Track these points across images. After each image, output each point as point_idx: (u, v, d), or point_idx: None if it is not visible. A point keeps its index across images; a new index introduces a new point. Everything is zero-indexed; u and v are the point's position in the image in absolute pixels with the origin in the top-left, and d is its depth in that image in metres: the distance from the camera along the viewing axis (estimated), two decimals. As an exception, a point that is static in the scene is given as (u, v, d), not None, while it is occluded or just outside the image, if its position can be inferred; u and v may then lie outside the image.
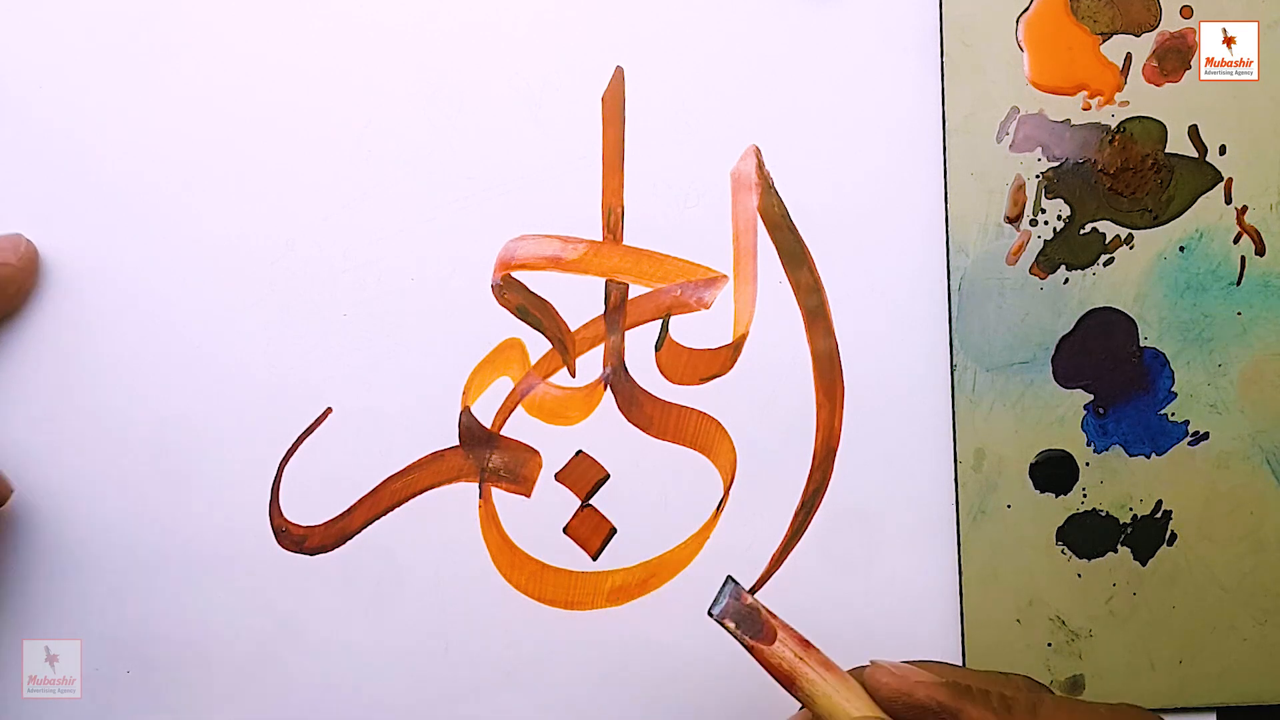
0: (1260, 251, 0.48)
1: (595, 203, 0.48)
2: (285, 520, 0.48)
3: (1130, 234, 0.48)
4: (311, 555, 0.48)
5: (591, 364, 0.49)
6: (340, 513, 0.48)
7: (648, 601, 0.48)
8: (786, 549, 0.48)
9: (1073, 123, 0.48)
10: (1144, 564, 0.48)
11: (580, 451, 0.48)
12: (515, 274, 0.48)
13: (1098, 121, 0.48)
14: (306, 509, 0.48)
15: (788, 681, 0.37)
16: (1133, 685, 0.48)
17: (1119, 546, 0.48)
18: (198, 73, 0.48)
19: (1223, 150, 0.48)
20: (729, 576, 0.38)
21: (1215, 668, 0.48)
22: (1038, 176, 0.48)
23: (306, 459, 0.48)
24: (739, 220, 0.49)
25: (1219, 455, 0.48)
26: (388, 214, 0.48)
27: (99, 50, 0.48)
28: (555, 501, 0.48)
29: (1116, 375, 0.48)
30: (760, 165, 0.49)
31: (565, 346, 0.48)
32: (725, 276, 0.49)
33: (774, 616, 0.37)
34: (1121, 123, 0.48)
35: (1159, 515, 0.48)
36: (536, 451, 0.48)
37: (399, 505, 0.48)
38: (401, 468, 0.48)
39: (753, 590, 0.47)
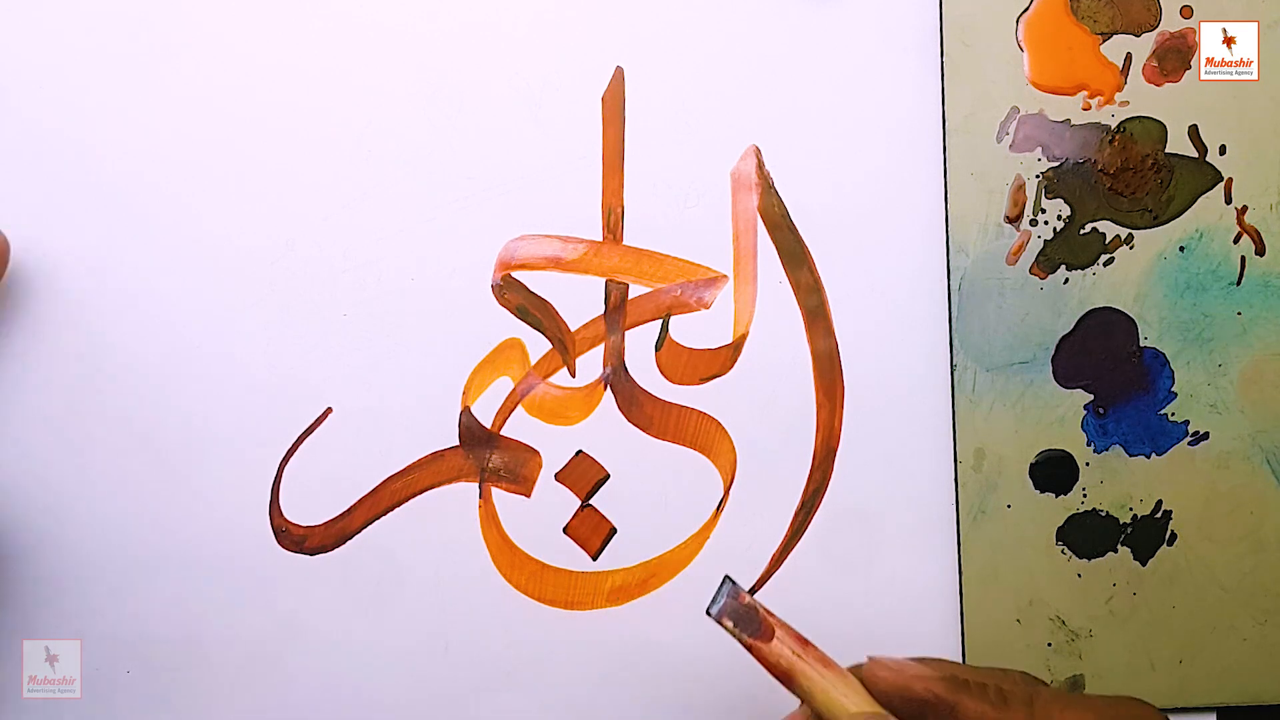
0: (1260, 251, 0.48)
1: (595, 203, 0.48)
2: (285, 520, 0.48)
3: (1130, 234, 0.48)
4: (311, 555, 0.48)
5: (591, 364, 0.49)
6: (340, 513, 0.48)
7: (648, 601, 0.48)
8: (786, 549, 0.48)
9: (1073, 123, 0.48)
10: (1144, 564, 0.48)
11: (580, 451, 0.48)
12: (515, 274, 0.48)
13: (1098, 121, 0.48)
14: (306, 509, 0.48)
15: (786, 678, 0.37)
16: (1133, 685, 0.48)
17: (1119, 546, 0.48)
18: (198, 73, 0.48)
19: (1223, 150, 0.48)
20: (726, 576, 0.38)
21: (1215, 668, 0.48)
22: (1038, 176, 0.48)
23: (306, 459, 0.48)
24: (739, 220, 0.49)
25: (1219, 455, 0.48)
26: (388, 214, 0.48)
27: (99, 50, 0.48)
28: (555, 501, 0.48)
29: (1116, 375, 0.48)
30: (760, 165, 0.49)
31: (565, 346, 0.48)
32: (725, 276, 0.49)
33: (771, 615, 0.37)
34: (1121, 123, 0.48)
35: (1159, 515, 0.48)
36: (536, 451, 0.48)
37: (399, 505, 0.48)
38: (401, 468, 0.48)
39: (753, 590, 0.47)
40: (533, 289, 0.48)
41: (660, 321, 0.49)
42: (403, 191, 0.48)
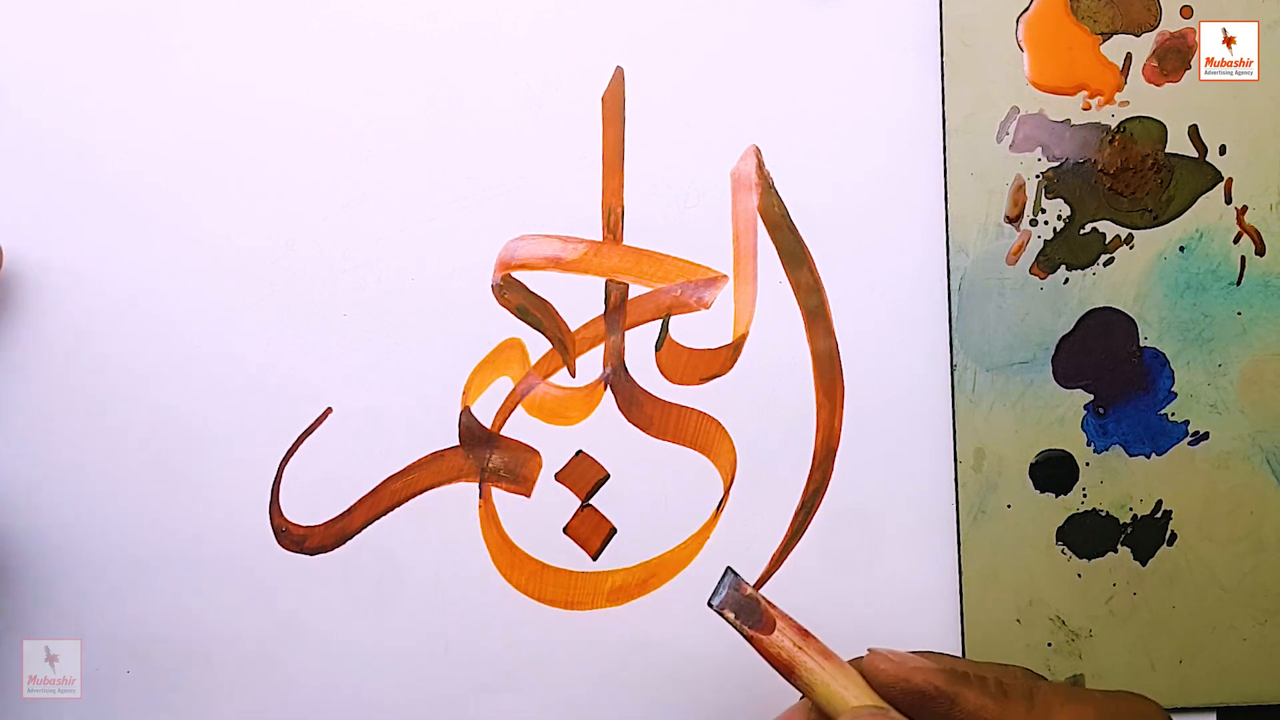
0: (1260, 251, 0.48)
1: (595, 203, 0.48)
2: (285, 520, 0.48)
3: (1130, 234, 0.48)
4: (311, 555, 0.48)
5: (591, 364, 0.49)
6: (340, 513, 0.48)
7: (648, 601, 0.48)
8: (786, 549, 0.48)
9: (1073, 123, 0.48)
10: (1144, 564, 0.48)
11: (580, 451, 0.48)
12: (515, 274, 0.48)
13: (1098, 121, 0.48)
14: (306, 509, 0.48)
15: (787, 671, 0.37)
16: (1133, 685, 0.48)
17: (1119, 546, 0.48)
18: (198, 73, 0.48)
19: (1223, 150, 0.48)
20: (728, 568, 0.38)
21: (1215, 668, 0.48)
22: (1038, 176, 0.48)
23: (306, 459, 0.48)
24: (739, 220, 0.49)
25: (1219, 455, 0.48)
26: (388, 214, 0.48)
27: (99, 50, 0.48)
28: (555, 501, 0.48)
29: (1116, 375, 0.48)
30: (760, 165, 0.49)
31: (565, 346, 0.48)
32: (725, 276, 0.49)
33: (773, 607, 0.37)
34: (1121, 123, 0.48)
35: (1159, 515, 0.48)
36: (536, 451, 0.48)
37: (399, 505, 0.48)
38: (401, 468, 0.48)
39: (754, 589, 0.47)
40: (533, 289, 0.48)
41: (660, 321, 0.49)
42: (403, 191, 0.48)
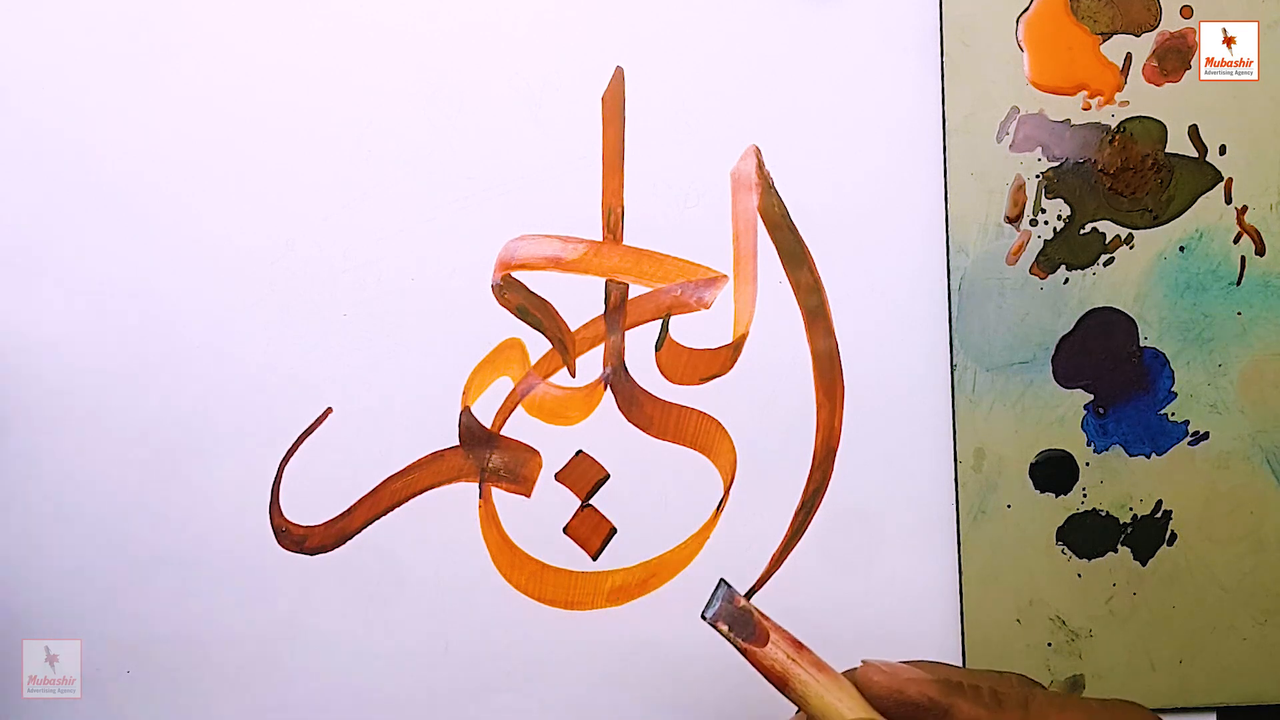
0: (1260, 251, 0.48)
1: (595, 203, 0.48)
2: (285, 520, 0.48)
3: (1130, 234, 0.48)
4: (311, 555, 0.48)
5: (591, 364, 0.49)
6: (340, 513, 0.48)
7: (648, 601, 0.48)
8: (786, 549, 0.48)
9: (1073, 123, 0.48)
10: (1144, 564, 0.48)
11: (580, 451, 0.48)
12: (515, 274, 0.48)
13: (1098, 121, 0.48)
14: (306, 509, 0.48)
15: (780, 683, 0.37)
16: (1133, 685, 0.48)
17: (1119, 546, 0.48)
18: (198, 73, 0.48)
19: (1223, 150, 0.48)
20: (722, 579, 0.38)
21: (1215, 668, 0.48)
22: (1038, 176, 0.48)
23: (306, 459, 0.48)
24: (739, 220, 0.49)
25: (1219, 455, 0.48)
26: (388, 214, 0.48)
27: (99, 50, 0.48)
28: (555, 501, 0.48)
29: (1116, 375, 0.48)
30: (760, 165, 0.49)
31: (565, 346, 0.48)
32: (725, 276, 0.49)
33: (766, 619, 0.37)
34: (1121, 123, 0.48)
35: (1159, 515, 0.48)
36: (536, 451, 0.48)
37: (399, 505, 0.48)
38: (401, 468, 0.48)
39: (753, 590, 0.47)
40: (533, 289, 0.48)
41: (660, 321, 0.49)
42: (403, 191, 0.48)
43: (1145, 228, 0.48)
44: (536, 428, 0.48)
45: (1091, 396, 0.48)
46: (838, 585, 0.48)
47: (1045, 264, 0.48)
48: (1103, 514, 0.48)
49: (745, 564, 0.48)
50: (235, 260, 0.48)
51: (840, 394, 0.48)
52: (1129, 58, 0.48)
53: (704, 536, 0.48)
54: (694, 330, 0.49)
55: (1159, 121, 0.48)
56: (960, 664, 0.47)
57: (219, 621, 0.47)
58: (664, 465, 0.48)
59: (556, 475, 0.48)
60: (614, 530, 0.48)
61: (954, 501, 0.48)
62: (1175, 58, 0.48)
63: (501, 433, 0.48)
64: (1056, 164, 0.48)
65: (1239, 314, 0.48)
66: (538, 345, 0.48)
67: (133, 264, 0.48)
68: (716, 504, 0.48)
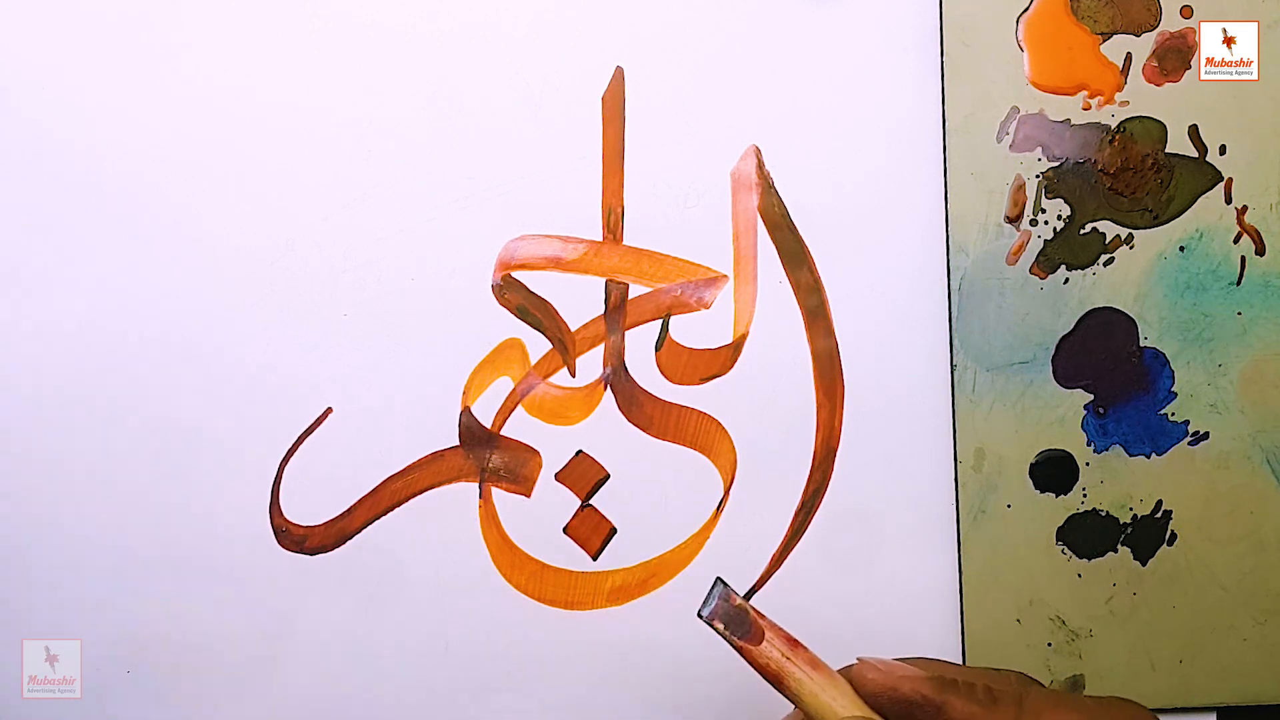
0: (1260, 251, 0.48)
1: (595, 203, 0.48)
2: (285, 520, 0.48)
3: (1130, 234, 0.48)
4: (311, 555, 0.48)
5: (591, 364, 0.49)
6: (340, 513, 0.48)
7: (648, 601, 0.48)
8: (787, 549, 0.48)
9: (1073, 123, 0.48)
10: (1144, 564, 0.48)
11: (580, 451, 0.48)
12: (515, 274, 0.48)
13: (1098, 121, 0.48)
14: (307, 509, 0.48)
15: (776, 681, 0.37)
16: (1133, 685, 0.48)
17: (1119, 546, 0.48)
18: (198, 73, 0.48)
19: (1223, 150, 0.48)
20: (718, 578, 0.38)
21: (1215, 668, 0.48)
22: (1038, 176, 0.48)
23: (306, 459, 0.48)
24: (739, 220, 0.49)
25: (1219, 455, 0.48)
26: (388, 214, 0.48)
27: (99, 50, 0.48)
28: (555, 501, 0.48)
29: (1116, 375, 0.48)
30: (760, 165, 0.49)
31: (565, 346, 0.48)
32: (725, 276, 0.49)
33: (762, 617, 0.38)
34: (1121, 123, 0.48)
35: (1159, 515, 0.48)
36: (536, 451, 0.48)
37: (399, 505, 0.48)
38: (401, 468, 0.48)
39: (753, 590, 0.47)
40: (533, 289, 0.48)
41: (660, 321, 0.49)
42: (403, 191, 0.48)
43: (1145, 228, 0.48)
44: (536, 428, 0.48)
45: (1091, 396, 0.48)
46: (838, 585, 0.48)
47: (1045, 264, 0.48)
48: (1103, 514, 0.48)
49: (745, 564, 0.48)
50: (235, 260, 0.48)
51: (840, 394, 0.48)
52: (1129, 58, 0.48)
53: (704, 536, 0.48)
54: (694, 330, 0.49)
55: (1159, 121, 0.48)
56: (960, 663, 0.47)
57: (219, 621, 0.47)
58: (664, 465, 0.48)
59: (556, 475, 0.48)
60: (614, 530, 0.48)
61: (954, 501, 0.48)
62: (1175, 58, 0.48)
63: (501, 433, 0.48)
64: (1056, 164, 0.48)
65: (1239, 314, 0.48)
66: (538, 345, 0.48)
67: (132, 264, 0.48)
68: (716, 504, 0.48)
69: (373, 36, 0.48)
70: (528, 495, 0.48)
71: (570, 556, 0.48)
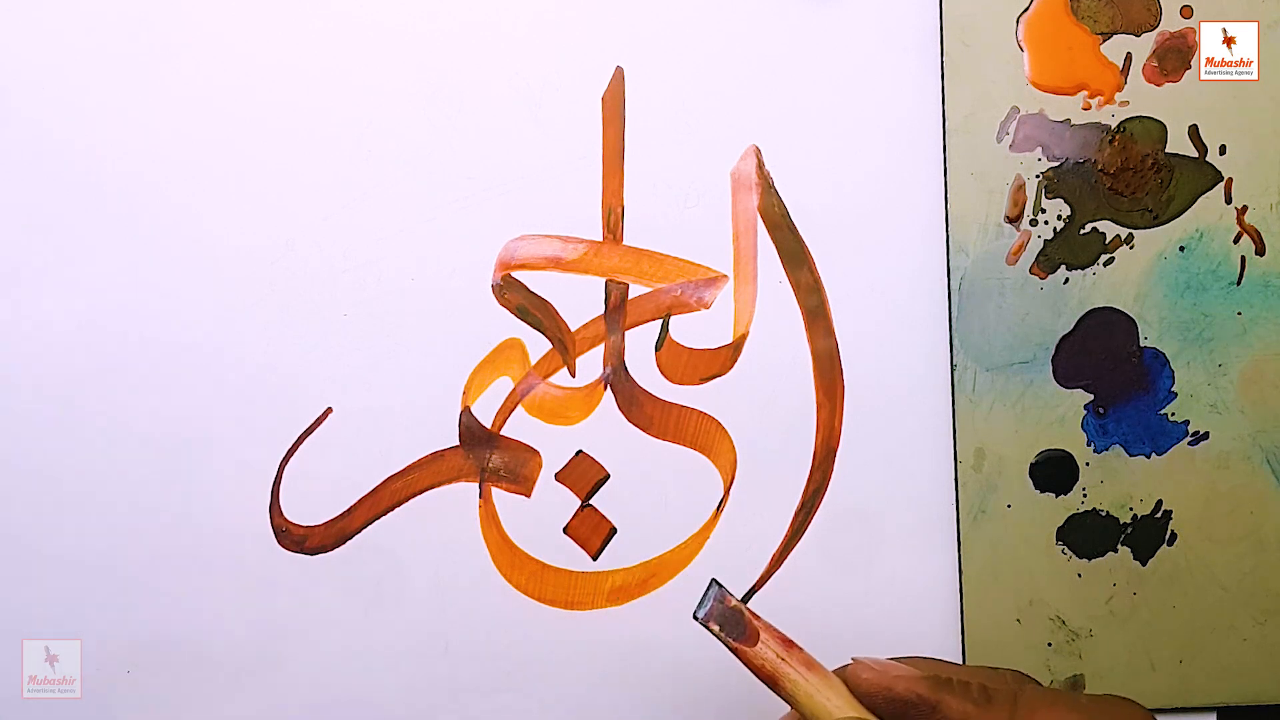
0: (1260, 251, 0.48)
1: (595, 203, 0.48)
2: (286, 520, 0.48)
3: (1130, 234, 0.48)
4: (312, 555, 0.48)
5: (591, 364, 0.49)
6: (340, 513, 0.48)
7: (648, 601, 0.48)
8: (786, 549, 0.48)
9: (1073, 123, 0.48)
10: (1144, 564, 0.48)
11: (580, 451, 0.48)
12: (515, 274, 0.48)
13: (1098, 121, 0.48)
14: (307, 509, 0.48)
15: (771, 682, 0.37)
16: (1133, 685, 0.48)
17: (1119, 546, 0.48)
18: (198, 73, 0.48)
19: (1223, 150, 0.48)
20: (713, 579, 0.38)
21: (1215, 668, 0.48)
22: (1038, 176, 0.48)
23: (306, 459, 0.48)
24: (739, 220, 0.49)
25: (1219, 455, 0.48)
26: (388, 214, 0.48)
27: (99, 50, 0.48)
28: (555, 501, 0.48)
29: (1116, 375, 0.48)
30: (760, 165, 0.49)
31: (565, 346, 0.48)
32: (725, 276, 0.49)
33: (757, 618, 0.38)
34: (1121, 123, 0.48)
35: (1159, 515, 0.48)
36: (536, 451, 0.48)
37: (399, 505, 0.48)
38: (402, 468, 0.48)
39: (753, 590, 0.47)
40: (533, 289, 0.48)
41: (660, 321, 0.49)
42: (403, 191, 0.48)
43: (1145, 228, 0.48)
44: (536, 428, 0.48)
45: (1091, 396, 0.48)
46: (838, 585, 0.48)
47: (1045, 264, 0.48)
48: (1103, 514, 0.48)
49: (745, 564, 0.48)
50: (235, 260, 0.48)
51: (840, 394, 0.48)
52: (1129, 58, 0.48)
53: (704, 536, 0.48)
54: (694, 330, 0.49)
55: (1159, 121, 0.48)
56: (960, 663, 0.47)
57: (220, 622, 0.47)
58: (664, 465, 0.48)
59: (556, 475, 0.48)
60: (614, 530, 0.48)
61: (954, 501, 0.48)
62: (1175, 58, 0.48)
63: (501, 433, 0.48)
64: (1056, 164, 0.48)
65: (1239, 314, 0.48)
66: (538, 345, 0.48)
67: (133, 264, 0.48)
68: (716, 504, 0.48)
69: (373, 36, 0.48)
70: (528, 495, 0.48)
71: (570, 556, 0.48)
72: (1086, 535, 0.48)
